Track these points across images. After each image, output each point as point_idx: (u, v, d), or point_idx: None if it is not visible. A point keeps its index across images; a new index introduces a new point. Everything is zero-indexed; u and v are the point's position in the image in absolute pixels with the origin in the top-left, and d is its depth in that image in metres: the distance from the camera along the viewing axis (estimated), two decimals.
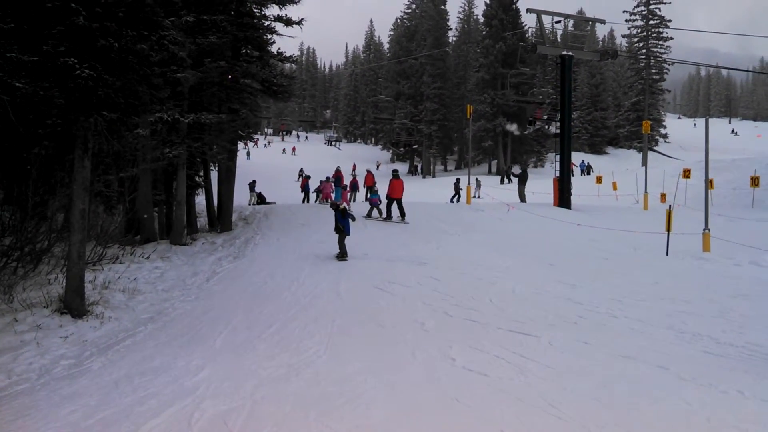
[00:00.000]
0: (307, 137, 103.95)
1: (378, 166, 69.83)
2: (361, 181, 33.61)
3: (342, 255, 15.09)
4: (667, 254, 15.92)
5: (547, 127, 53.23)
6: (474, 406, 6.22)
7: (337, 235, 15.39)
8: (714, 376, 7.20)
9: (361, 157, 73.29)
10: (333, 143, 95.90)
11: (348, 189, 29.32)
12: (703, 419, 5.95)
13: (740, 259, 14.87)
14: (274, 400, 6.38)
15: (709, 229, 16.36)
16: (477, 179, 33.62)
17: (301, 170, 43.80)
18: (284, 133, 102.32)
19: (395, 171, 23.21)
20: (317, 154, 75.81)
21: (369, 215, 21.97)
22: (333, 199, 27.91)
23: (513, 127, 56.42)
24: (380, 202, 22.30)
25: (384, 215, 21.76)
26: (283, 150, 79.19)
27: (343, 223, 15.36)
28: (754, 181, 28.17)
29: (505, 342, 8.56)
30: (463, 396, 6.50)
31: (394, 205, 21.60)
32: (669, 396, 6.57)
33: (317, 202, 27.91)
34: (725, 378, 7.12)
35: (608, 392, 6.70)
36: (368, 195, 31.03)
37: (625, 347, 8.38)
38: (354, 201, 29.76)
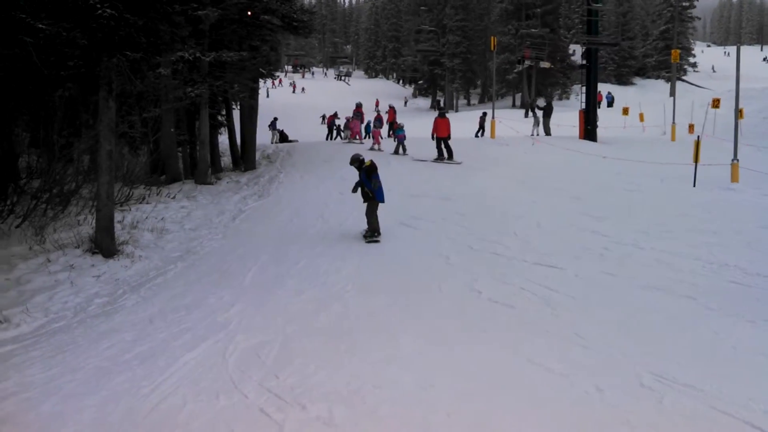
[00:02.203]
0: (313, 73, 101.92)
1: (405, 103, 69.03)
2: (384, 118, 33.35)
3: (372, 233, 11.04)
4: (694, 185, 15.70)
5: (537, 64, 52.54)
6: (501, 337, 6.30)
7: (365, 204, 11.24)
8: (741, 305, 7.20)
9: (380, 93, 72.43)
10: (342, 78, 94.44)
11: (380, 125, 28.37)
12: (729, 347, 5.99)
13: None
14: (304, 333, 6.52)
15: (737, 160, 16.07)
16: (536, 115, 32.12)
17: (324, 116, 43.37)
18: (303, 69, 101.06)
19: (442, 109, 22.39)
20: (330, 91, 74.83)
21: (396, 152, 21.79)
22: (361, 136, 27.26)
23: (544, 63, 55.31)
24: (405, 138, 22.06)
25: (404, 152, 21.56)
26: (293, 90, 76.35)
27: (369, 186, 11.11)
28: None
29: (530, 274, 8.60)
30: (489, 327, 6.58)
31: (446, 144, 20.53)
32: (696, 326, 6.60)
33: (346, 140, 27.42)
34: (752, 308, 7.12)
35: (635, 322, 6.74)
36: (390, 131, 30.78)
37: (651, 278, 8.38)
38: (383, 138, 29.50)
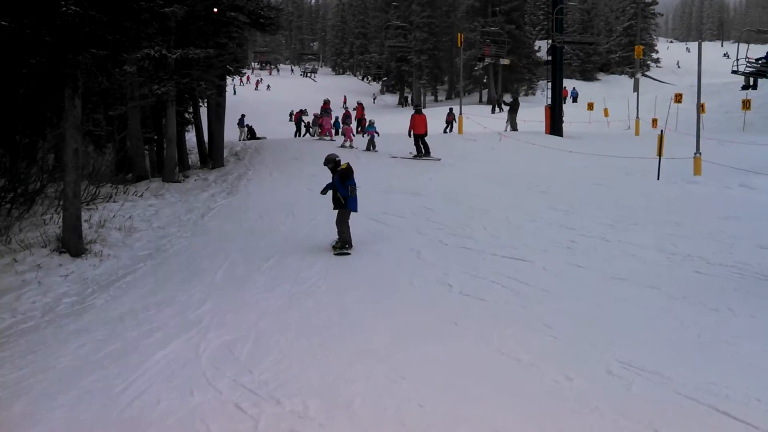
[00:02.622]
0: (279, 70, 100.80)
1: (374, 99, 69.02)
2: (353, 115, 33.34)
3: (343, 244, 9.93)
4: (658, 179, 16.01)
5: (497, 62, 53.22)
6: (472, 329, 6.40)
7: (336, 212, 10.15)
8: (705, 294, 7.39)
9: (347, 90, 72.28)
10: (308, 74, 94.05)
11: (350, 122, 28.21)
12: (694, 335, 6.14)
13: (730, 181, 14.97)
14: (277, 329, 6.54)
15: (700, 153, 16.41)
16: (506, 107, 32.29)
17: (292, 113, 43.13)
18: (270, 66, 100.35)
19: (417, 106, 22.35)
20: (296, 88, 74.32)
21: (367, 149, 21.82)
22: (332, 133, 27.07)
23: (504, 60, 55.78)
24: (376, 134, 22.12)
25: (374, 148, 21.61)
26: (256, 86, 73.37)
27: (343, 192, 10.06)
28: (746, 104, 28.06)
29: (500, 268, 8.71)
30: (461, 320, 6.67)
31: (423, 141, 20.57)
32: (661, 315, 6.76)
33: (316, 137, 27.26)
34: (715, 296, 7.31)
35: (602, 313, 6.88)
36: (359, 128, 30.79)
37: (617, 270, 8.56)
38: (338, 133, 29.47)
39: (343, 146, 22.71)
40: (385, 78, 75.22)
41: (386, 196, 14.34)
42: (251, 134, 33.62)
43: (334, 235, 10.31)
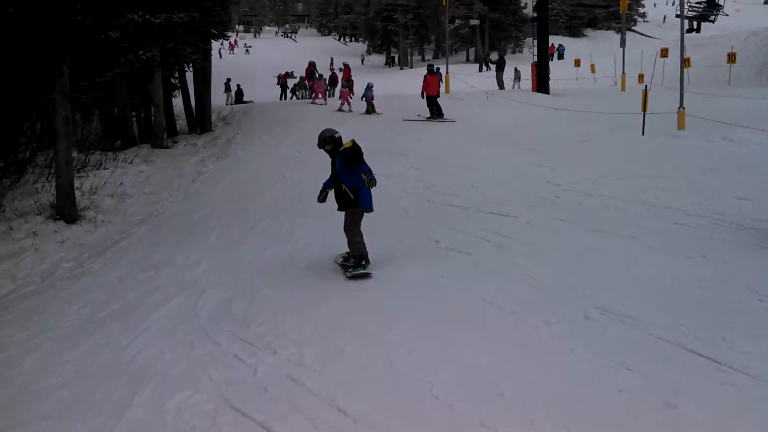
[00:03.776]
0: (259, 32, 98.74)
1: (362, 60, 68.43)
2: (337, 77, 33.19)
3: (358, 260, 7.12)
4: (643, 134, 16.25)
5: (467, 23, 53.20)
6: (459, 281, 6.67)
7: (343, 214, 7.34)
8: (681, 243, 7.70)
9: (333, 51, 71.53)
10: (289, 35, 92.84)
11: (346, 85, 27.79)
12: (668, 281, 6.46)
13: (713, 135, 15.22)
14: (272, 286, 6.81)
15: (684, 108, 16.63)
16: (516, 69, 32.22)
17: (279, 75, 42.72)
18: (254, 28, 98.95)
19: (430, 65, 21.87)
20: (277, 50, 73.41)
21: (367, 112, 21.69)
22: (325, 97, 26.45)
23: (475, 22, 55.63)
24: (373, 97, 21.97)
25: (375, 111, 21.55)
26: (231, 49, 69.80)
27: (351, 183, 7.18)
28: (731, 58, 28.17)
29: (485, 224, 8.97)
30: (448, 273, 6.95)
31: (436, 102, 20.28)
32: (638, 263, 7.07)
33: (309, 101, 26.95)
34: (691, 245, 7.61)
35: (583, 263, 7.18)
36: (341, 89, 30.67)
37: (599, 223, 8.84)
38: (332, 96, 29.43)
39: (340, 110, 22.69)
40: (361, 39, 74.53)
41: (373, 157, 14.26)
42: (238, 98, 33.50)
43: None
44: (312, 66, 28.62)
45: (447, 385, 4.40)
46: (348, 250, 7.31)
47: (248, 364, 4.87)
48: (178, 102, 24.49)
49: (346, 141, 7.34)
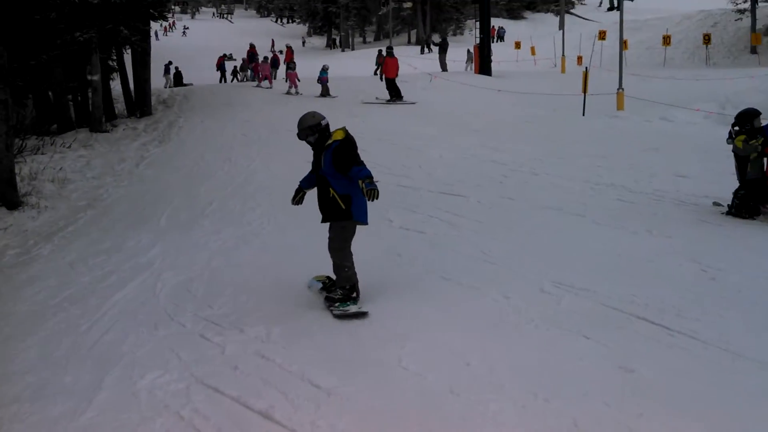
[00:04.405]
0: (194, 13, 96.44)
1: (303, 43, 67.75)
2: (279, 59, 32.84)
3: (347, 292, 5.56)
4: (584, 114, 16.69)
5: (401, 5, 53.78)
6: (414, 259, 6.81)
7: (330, 231, 5.73)
8: (625, 220, 8.02)
9: (273, 33, 70.71)
10: (225, 16, 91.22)
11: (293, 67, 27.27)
12: (615, 255, 6.74)
13: (651, 115, 15.77)
14: (230, 267, 6.80)
15: (622, 89, 17.14)
16: (469, 51, 32.21)
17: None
18: (192, 9, 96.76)
19: (389, 48, 21.89)
20: (214, 31, 72.04)
21: (322, 95, 21.63)
22: (271, 80, 25.85)
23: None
24: (328, 80, 21.85)
25: (329, 94, 21.47)
26: (165, 32, 66.09)
27: (340, 188, 5.53)
28: (666, 40, 29.06)
29: (437, 203, 9.13)
30: (404, 251, 7.07)
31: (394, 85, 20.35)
32: (586, 239, 7.34)
33: (254, 84, 26.40)
34: (635, 221, 7.95)
35: (533, 239, 7.41)
36: (287, 72, 30.42)
37: (546, 200, 9.10)
38: (276, 78, 29.13)
39: (288, 93, 22.52)
40: (302, 20, 73.99)
41: None
42: (177, 81, 32.83)
43: (274, 180, 10.53)
44: (253, 48, 28.30)
45: (414, 358, 4.51)
46: (329, 275, 5.86)
47: (215, 342, 4.88)
48: (116, 85, 23.86)
49: (334, 129, 5.60)
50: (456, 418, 3.84)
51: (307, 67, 27.28)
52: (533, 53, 35.18)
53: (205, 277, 6.49)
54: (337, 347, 4.76)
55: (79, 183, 12.17)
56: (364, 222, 5.72)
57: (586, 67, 19.39)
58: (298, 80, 22.97)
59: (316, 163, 5.69)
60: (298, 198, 6.05)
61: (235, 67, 36.39)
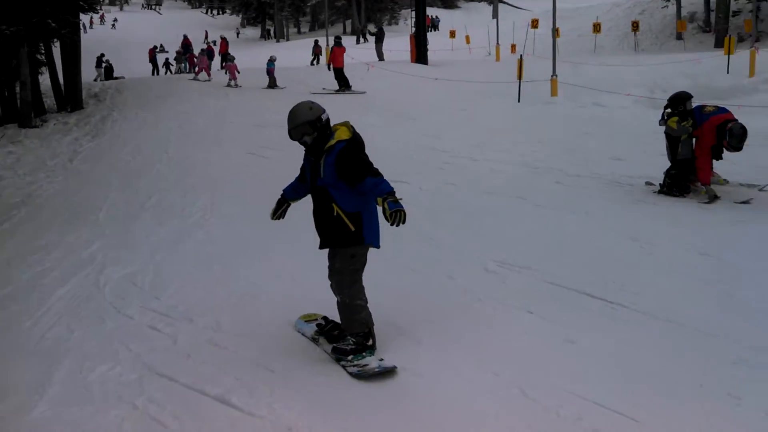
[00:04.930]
0: (122, 5, 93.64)
1: (238, 33, 66.69)
2: (214, 51, 32.30)
3: (361, 339, 4.37)
4: (519, 101, 17.03)
5: None
6: None
7: (334, 261, 4.52)
8: (564, 201, 8.30)
9: (204, 23, 69.47)
10: (153, 7, 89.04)
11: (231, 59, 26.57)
12: (557, 235, 6.98)
13: (584, 101, 16.22)
14: (174, 260, 6.73)
15: (556, 75, 17.55)
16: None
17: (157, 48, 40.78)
18: (121, 0, 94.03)
19: (337, 37, 21.72)
20: (144, 23, 70.31)
21: (270, 86, 21.42)
22: (209, 72, 25.24)
23: None
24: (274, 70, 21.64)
25: (276, 85, 21.30)
26: (92, 24, 63.26)
27: (348, 205, 4.35)
28: (596, 28, 29.85)
29: None
30: None
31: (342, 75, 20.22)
32: (528, 220, 7.58)
33: (193, 77, 25.65)
34: (573, 203, 8.23)
35: (476, 222, 7.58)
36: (223, 63, 29.98)
37: (487, 185, 9.31)
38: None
39: (228, 85, 22.19)
40: (235, 11, 73.01)
41: (261, 130, 14.44)
42: (108, 74, 31.95)
43: (214, 171, 10.49)
44: (187, 39, 27.80)
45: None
46: (318, 312, 4.91)
47: (166, 333, 4.84)
48: (45, 79, 23.11)
49: (335, 124, 4.46)
50: (410, 394, 3.93)
51: (243, 59, 26.92)
52: (468, 42, 35.58)
53: (150, 270, 6.41)
54: (289, 333, 4.79)
55: (11, 180, 11.81)
56: (377, 245, 4.52)
57: (521, 55, 19.78)
58: (238, 72, 22.64)
59: (313, 170, 4.40)
60: (280, 212, 4.94)
61: (167, 59, 35.62)
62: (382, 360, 4.24)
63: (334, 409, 3.78)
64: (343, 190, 4.26)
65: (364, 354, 4.27)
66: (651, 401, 3.73)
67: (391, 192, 4.10)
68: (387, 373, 4.10)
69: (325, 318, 4.81)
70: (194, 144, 13.34)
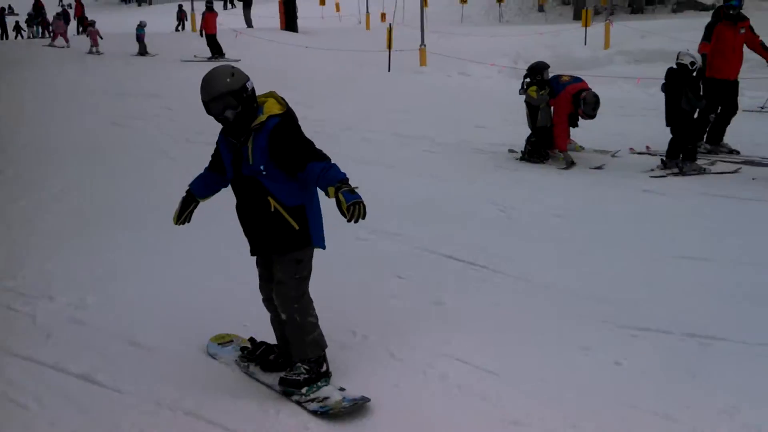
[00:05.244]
0: None
1: None
2: (69, 14, 30.36)
3: (315, 371, 3.57)
4: (389, 70, 17.25)
5: None
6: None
7: (278, 269, 3.63)
8: (433, 168, 8.61)
9: None
10: None
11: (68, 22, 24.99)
12: (425, 201, 7.21)
13: (451, 70, 16.66)
14: (30, 236, 6.32)
15: (425, 45, 17.89)
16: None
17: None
18: None
19: (209, 2, 20.83)
20: None
21: (140, 53, 20.37)
22: (67, 38, 23.53)
23: None
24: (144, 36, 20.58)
25: (147, 52, 20.33)
26: None
27: (290, 199, 3.53)
28: None
29: None
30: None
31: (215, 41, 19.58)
32: (397, 189, 7.72)
33: (51, 43, 23.77)
34: (442, 169, 8.60)
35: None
36: (79, 27, 28.34)
37: (358, 154, 9.35)
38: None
39: (90, 52, 20.91)
40: None
41: (124, 99, 13.87)
42: None
43: (79, 143, 9.96)
44: (39, 2, 25.98)
45: (249, 317, 4.39)
46: (236, 333, 4.19)
47: (24, 312, 4.57)
48: None
49: (261, 94, 3.59)
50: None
51: (105, 25, 25.48)
52: (338, 10, 35.45)
53: (2, 249, 6.03)
54: (162, 309, 4.60)
55: None
56: (323, 245, 3.77)
57: (390, 24, 19.95)
58: (100, 38, 21.40)
59: (236, 156, 3.52)
60: (186, 214, 3.90)
61: (17, 22, 33.16)
62: (343, 390, 3.52)
63: (201, 383, 3.73)
64: (279, 180, 3.43)
65: (319, 384, 3.52)
66: (512, 355, 3.96)
67: (344, 179, 3.32)
68: (363, 402, 3.41)
69: (252, 339, 3.94)
70: (52, 115, 12.57)
